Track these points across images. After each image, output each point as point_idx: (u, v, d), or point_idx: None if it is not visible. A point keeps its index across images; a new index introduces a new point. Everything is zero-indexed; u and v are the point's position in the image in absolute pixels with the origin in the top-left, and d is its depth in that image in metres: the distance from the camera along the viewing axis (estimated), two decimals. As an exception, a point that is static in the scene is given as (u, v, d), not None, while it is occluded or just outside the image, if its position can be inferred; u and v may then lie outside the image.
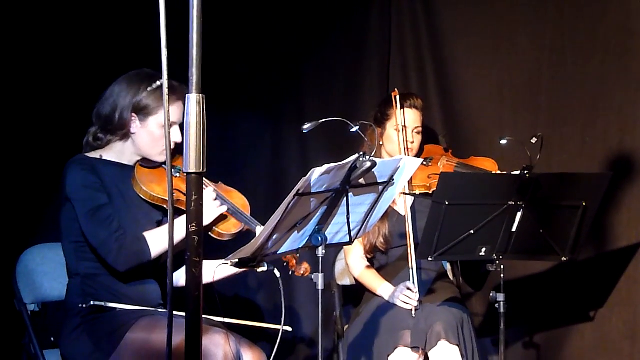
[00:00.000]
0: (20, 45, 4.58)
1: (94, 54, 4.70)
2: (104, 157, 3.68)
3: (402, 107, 4.53)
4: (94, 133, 3.71)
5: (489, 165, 4.58)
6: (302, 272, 3.72)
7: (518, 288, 4.59)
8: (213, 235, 3.71)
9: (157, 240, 3.57)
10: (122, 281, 3.61)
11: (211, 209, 3.65)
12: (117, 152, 3.71)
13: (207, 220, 3.64)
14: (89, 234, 3.52)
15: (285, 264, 3.74)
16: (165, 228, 3.57)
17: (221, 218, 3.71)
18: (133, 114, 3.63)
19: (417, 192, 4.51)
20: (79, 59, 4.69)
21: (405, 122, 4.51)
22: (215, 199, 3.69)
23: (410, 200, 4.49)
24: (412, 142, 4.52)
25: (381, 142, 4.52)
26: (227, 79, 5.10)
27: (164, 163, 3.72)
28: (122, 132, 3.66)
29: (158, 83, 3.63)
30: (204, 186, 3.63)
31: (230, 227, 3.74)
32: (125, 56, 4.56)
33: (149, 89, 3.63)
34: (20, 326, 3.90)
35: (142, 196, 3.66)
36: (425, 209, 4.50)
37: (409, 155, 4.44)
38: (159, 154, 3.70)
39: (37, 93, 4.61)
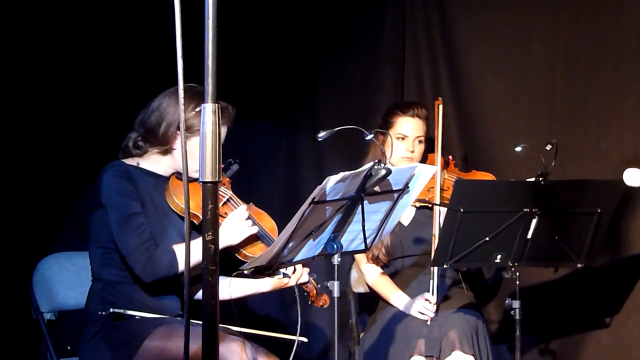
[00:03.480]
0: (36, 51, 4.61)
1: (112, 63, 4.72)
2: (140, 165, 3.70)
3: (404, 114, 4.53)
4: (134, 139, 3.72)
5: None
6: (320, 304, 3.74)
7: (533, 295, 4.59)
8: (240, 257, 3.70)
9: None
10: (143, 288, 3.62)
11: (242, 229, 3.65)
12: (154, 163, 3.73)
13: (237, 239, 3.64)
14: (119, 241, 3.53)
15: (305, 294, 3.77)
16: (195, 243, 3.55)
17: (249, 240, 3.70)
18: (178, 131, 3.63)
19: (417, 204, 4.50)
20: (97, 70, 4.71)
21: (405, 130, 4.51)
22: (247, 218, 3.69)
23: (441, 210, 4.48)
24: (412, 152, 4.50)
25: (383, 150, 4.49)
26: (243, 88, 5.12)
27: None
28: (163, 147, 3.68)
29: None
30: (236, 205, 3.66)
31: (257, 251, 3.72)
32: (142, 61, 4.58)
33: (197, 109, 3.61)
34: (37, 335, 3.92)
35: (173, 208, 3.67)
36: (427, 220, 4.51)
37: (405, 164, 4.44)
38: (195, 172, 3.70)
39: (55, 104, 4.64)
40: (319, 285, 3.78)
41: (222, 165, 3.66)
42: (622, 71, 4.55)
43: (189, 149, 3.65)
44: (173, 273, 3.55)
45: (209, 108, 2.20)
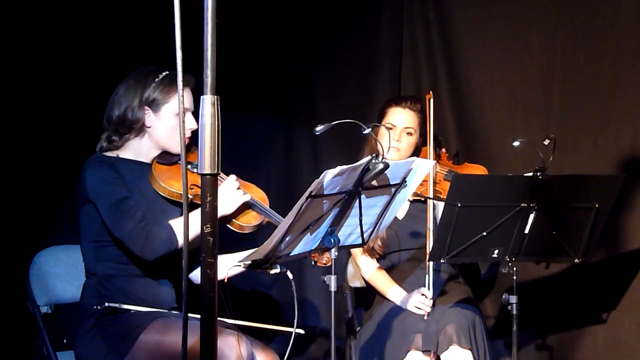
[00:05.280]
0: (33, 48, 4.60)
1: (108, 56, 4.72)
2: (120, 156, 3.69)
3: (396, 105, 4.54)
4: (107, 137, 3.72)
5: (478, 172, 4.57)
6: (324, 262, 3.71)
7: (531, 290, 4.59)
8: (233, 228, 3.72)
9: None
10: (137, 280, 3.63)
11: (234, 197, 3.66)
12: (134, 151, 3.73)
13: (231, 208, 3.65)
14: (114, 227, 3.53)
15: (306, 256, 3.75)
16: (191, 215, 3.56)
17: (242, 210, 3.72)
18: (146, 108, 3.65)
19: (411, 198, 4.49)
20: (93, 61, 4.71)
21: (393, 120, 4.51)
22: (238, 187, 3.70)
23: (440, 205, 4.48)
24: (398, 141, 4.49)
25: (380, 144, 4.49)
26: (240, 82, 5.11)
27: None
28: (137, 127, 3.68)
29: (163, 74, 3.69)
30: (224, 177, 3.67)
31: (251, 219, 3.75)
32: (140, 58, 4.57)
33: (156, 80, 3.68)
34: (33, 328, 3.92)
35: (160, 193, 3.67)
36: (421, 213, 4.50)
37: (392, 154, 4.43)
38: (177, 144, 3.72)
39: (51, 96, 4.63)
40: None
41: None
42: (620, 66, 4.55)
43: (162, 121, 3.69)
44: (173, 248, 3.56)
45: (208, 100, 2.19)
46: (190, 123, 3.66)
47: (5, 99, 4.50)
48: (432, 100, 4.49)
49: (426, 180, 4.39)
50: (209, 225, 2.18)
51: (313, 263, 3.73)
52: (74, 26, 4.70)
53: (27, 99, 4.58)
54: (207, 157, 2.19)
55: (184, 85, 3.59)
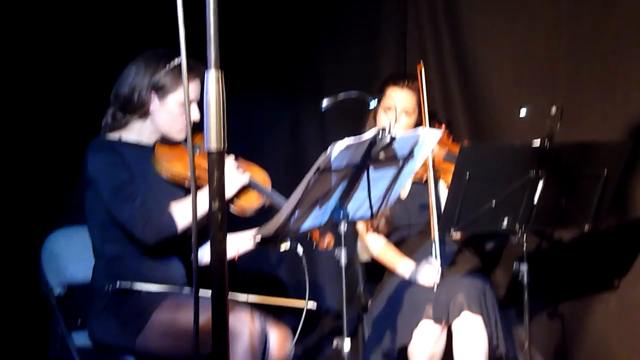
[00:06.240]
0: (36, 30, 4.60)
1: (111, 37, 4.72)
2: (123, 139, 3.69)
3: (394, 85, 4.51)
4: (112, 113, 3.71)
5: None
6: (325, 245, 3.71)
7: (541, 258, 4.59)
8: (235, 212, 3.70)
9: (183, 212, 3.56)
10: (146, 259, 3.62)
11: (234, 178, 3.65)
12: (137, 132, 3.71)
13: (232, 189, 3.64)
14: (115, 211, 3.53)
15: (308, 237, 3.74)
16: (190, 200, 3.56)
17: (243, 192, 3.70)
18: (152, 93, 3.64)
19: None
20: (96, 42, 4.71)
21: (390, 102, 4.46)
22: (238, 167, 3.70)
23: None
24: (397, 123, 4.44)
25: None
26: (244, 58, 5.10)
27: (184, 141, 3.74)
28: (141, 111, 3.67)
29: (176, 61, 3.64)
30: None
31: (252, 201, 3.72)
32: (142, 37, 4.57)
33: (167, 67, 3.63)
34: (46, 310, 3.93)
35: (163, 174, 3.66)
36: (423, 192, 4.49)
37: None
38: (178, 132, 3.72)
39: (57, 77, 4.64)
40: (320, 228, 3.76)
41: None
42: (627, 34, 4.53)
43: (166, 109, 3.67)
44: (173, 232, 3.55)
45: (212, 75, 2.18)
46: (194, 114, 3.64)
47: (14, 81, 4.51)
48: (423, 70, 4.46)
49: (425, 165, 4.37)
50: (217, 201, 2.18)
51: (314, 246, 3.72)
52: (75, 7, 4.69)
53: (37, 79, 4.58)
54: (213, 133, 2.18)
55: (195, 75, 3.59)
